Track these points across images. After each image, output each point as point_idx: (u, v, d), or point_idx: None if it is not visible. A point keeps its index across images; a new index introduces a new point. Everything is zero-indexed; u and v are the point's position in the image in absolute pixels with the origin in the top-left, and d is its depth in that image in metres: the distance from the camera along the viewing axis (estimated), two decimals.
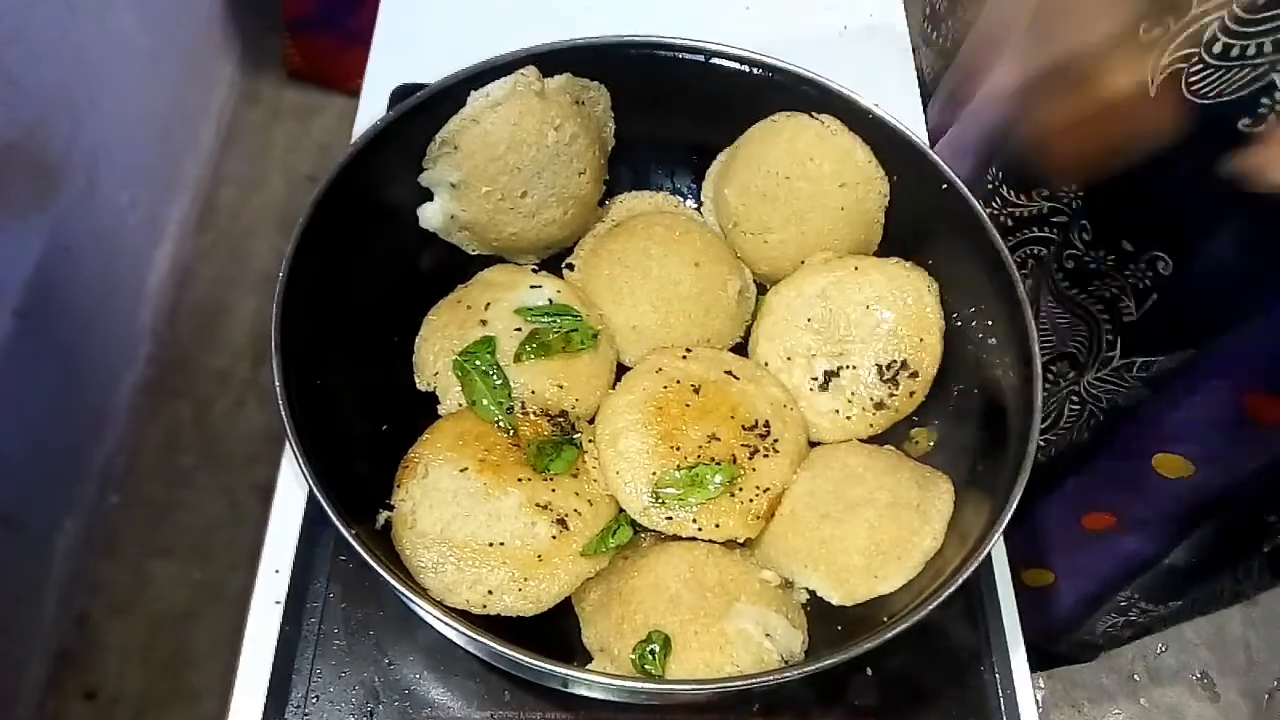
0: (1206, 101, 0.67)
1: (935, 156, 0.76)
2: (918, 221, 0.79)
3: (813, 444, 0.77)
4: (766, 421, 0.73)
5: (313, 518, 0.75)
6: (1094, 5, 0.73)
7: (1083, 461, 0.95)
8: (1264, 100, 0.65)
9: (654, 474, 0.70)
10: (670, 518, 0.69)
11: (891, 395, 0.76)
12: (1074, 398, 0.89)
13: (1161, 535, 0.94)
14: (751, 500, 0.71)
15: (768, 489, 0.71)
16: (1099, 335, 0.84)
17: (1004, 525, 0.62)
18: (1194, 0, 0.65)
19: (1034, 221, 0.86)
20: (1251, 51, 0.63)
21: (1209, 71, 0.66)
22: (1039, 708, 0.77)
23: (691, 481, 0.70)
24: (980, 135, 0.90)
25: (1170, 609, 1.05)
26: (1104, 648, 1.18)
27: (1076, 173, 0.81)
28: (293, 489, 0.78)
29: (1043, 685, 1.76)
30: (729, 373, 0.76)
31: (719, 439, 0.71)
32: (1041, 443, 0.93)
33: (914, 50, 1.10)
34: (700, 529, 0.69)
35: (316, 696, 0.69)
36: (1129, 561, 0.99)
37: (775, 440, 0.73)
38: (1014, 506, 0.63)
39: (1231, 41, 0.64)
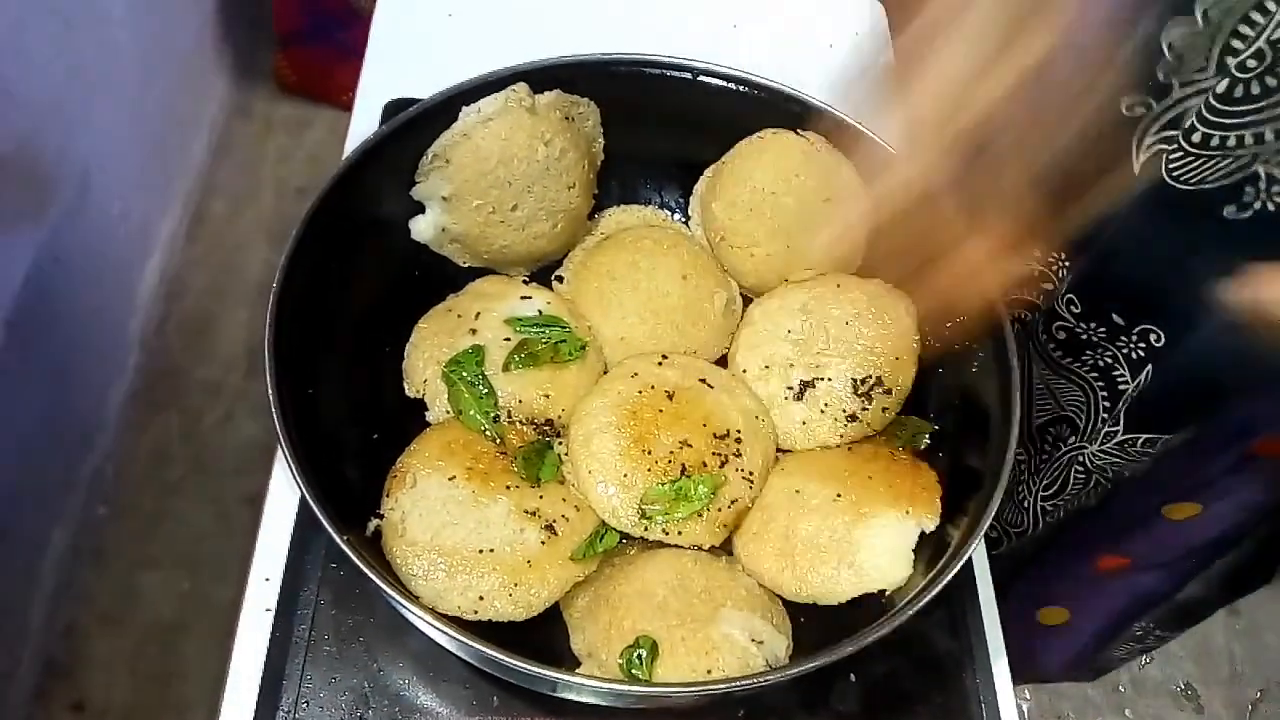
0: (1188, 187, 0.65)
1: None
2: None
3: (783, 451, 0.78)
4: (739, 431, 0.74)
5: (304, 525, 0.76)
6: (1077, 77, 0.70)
7: (1092, 517, 0.94)
8: (1248, 189, 0.63)
9: (625, 475, 0.71)
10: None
11: (864, 409, 0.77)
12: (1078, 468, 0.89)
13: (1174, 572, 0.93)
14: (720, 510, 0.72)
15: (735, 500, 0.72)
16: (1095, 401, 0.84)
17: (982, 531, 0.64)
18: (1175, 85, 0.64)
19: (1020, 283, 0.86)
20: (1232, 143, 0.61)
21: (1189, 159, 0.64)
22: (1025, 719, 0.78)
23: (676, 495, 0.71)
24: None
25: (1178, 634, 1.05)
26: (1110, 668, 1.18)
27: (1055, 237, 0.80)
28: (283, 497, 0.78)
29: (1028, 696, 1.77)
30: (703, 381, 0.77)
31: (690, 446, 0.72)
32: (1049, 507, 0.93)
33: None
34: (666, 533, 0.71)
35: (307, 702, 0.69)
36: (1143, 598, 0.98)
37: (746, 451, 0.74)
38: (992, 514, 0.65)
39: (1210, 132, 0.62)
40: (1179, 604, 0.96)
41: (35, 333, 1.44)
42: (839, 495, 0.72)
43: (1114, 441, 0.82)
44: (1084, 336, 0.81)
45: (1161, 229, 0.70)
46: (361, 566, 0.60)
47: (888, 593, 0.69)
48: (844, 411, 0.77)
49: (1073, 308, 0.80)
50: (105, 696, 1.57)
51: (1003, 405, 0.70)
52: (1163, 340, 0.75)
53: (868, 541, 0.69)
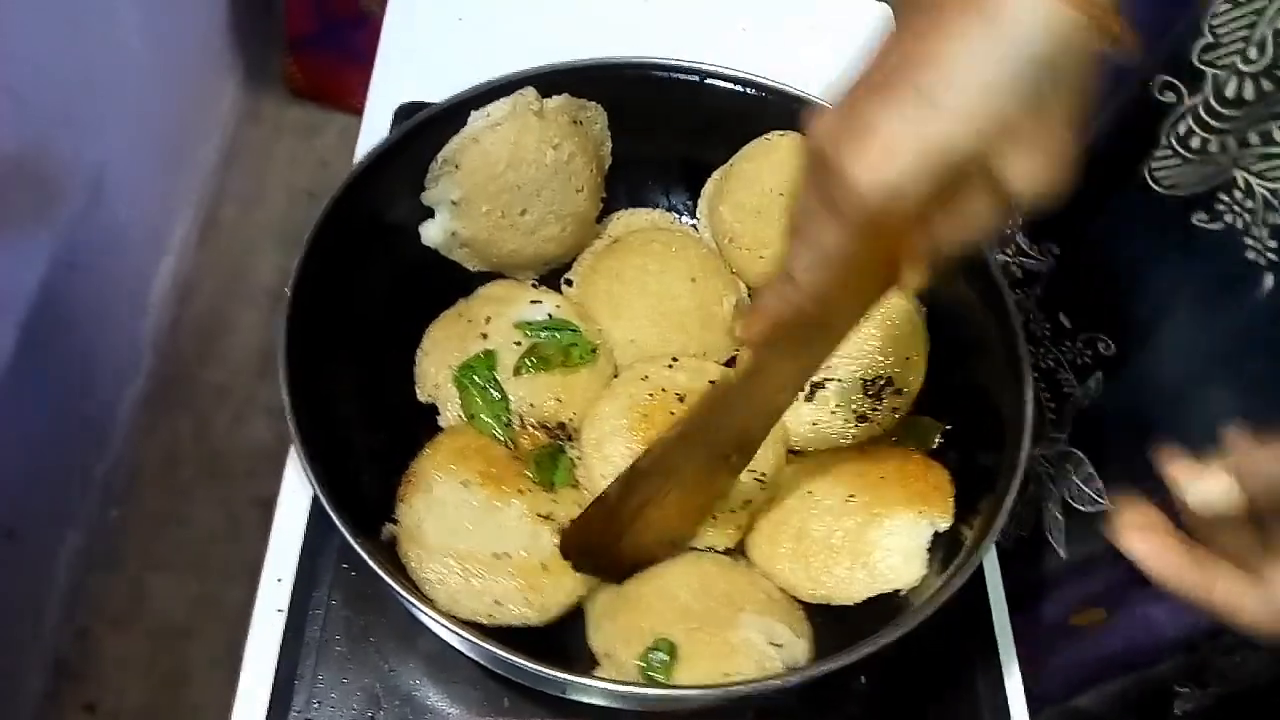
0: (1164, 191, 0.64)
1: None
2: None
3: (794, 453, 0.78)
4: None
5: (316, 527, 0.76)
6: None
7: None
8: (1222, 196, 0.62)
9: None
10: None
11: (875, 410, 0.77)
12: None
13: (1069, 677, 0.90)
14: (732, 512, 0.72)
15: (747, 502, 0.73)
16: (1038, 400, 0.82)
17: (997, 530, 0.64)
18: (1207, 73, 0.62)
19: (1035, 280, 0.84)
20: (1215, 148, 0.60)
21: (1174, 160, 0.63)
22: None
23: None
24: None
25: None
26: None
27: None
28: (295, 499, 0.78)
29: None
30: (713, 383, 0.77)
31: None
32: None
33: None
34: None
35: (318, 702, 0.70)
36: (1032, 696, 0.95)
37: (757, 453, 0.74)
38: (1006, 513, 0.64)
39: (1206, 136, 0.61)
40: (1071, 710, 0.93)
41: (48, 337, 1.44)
42: (851, 496, 0.72)
43: (1056, 449, 0.80)
44: (1031, 328, 0.79)
45: (1130, 232, 0.69)
46: (379, 572, 0.60)
47: (902, 592, 0.69)
48: (854, 412, 0.77)
49: (1037, 293, 0.79)
50: (117, 698, 1.58)
51: (1015, 404, 0.70)
52: (1112, 350, 0.74)
53: (881, 542, 0.70)
